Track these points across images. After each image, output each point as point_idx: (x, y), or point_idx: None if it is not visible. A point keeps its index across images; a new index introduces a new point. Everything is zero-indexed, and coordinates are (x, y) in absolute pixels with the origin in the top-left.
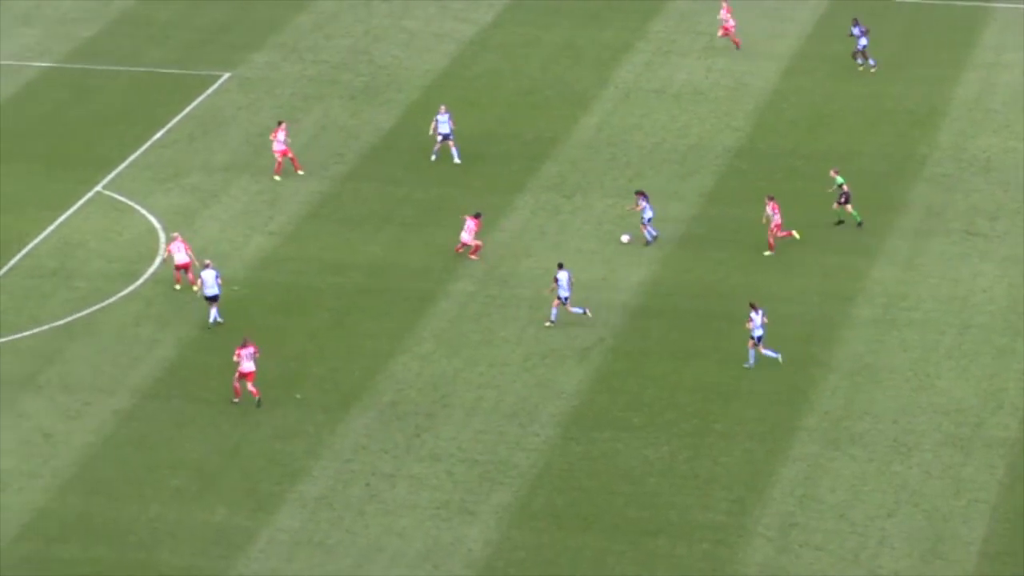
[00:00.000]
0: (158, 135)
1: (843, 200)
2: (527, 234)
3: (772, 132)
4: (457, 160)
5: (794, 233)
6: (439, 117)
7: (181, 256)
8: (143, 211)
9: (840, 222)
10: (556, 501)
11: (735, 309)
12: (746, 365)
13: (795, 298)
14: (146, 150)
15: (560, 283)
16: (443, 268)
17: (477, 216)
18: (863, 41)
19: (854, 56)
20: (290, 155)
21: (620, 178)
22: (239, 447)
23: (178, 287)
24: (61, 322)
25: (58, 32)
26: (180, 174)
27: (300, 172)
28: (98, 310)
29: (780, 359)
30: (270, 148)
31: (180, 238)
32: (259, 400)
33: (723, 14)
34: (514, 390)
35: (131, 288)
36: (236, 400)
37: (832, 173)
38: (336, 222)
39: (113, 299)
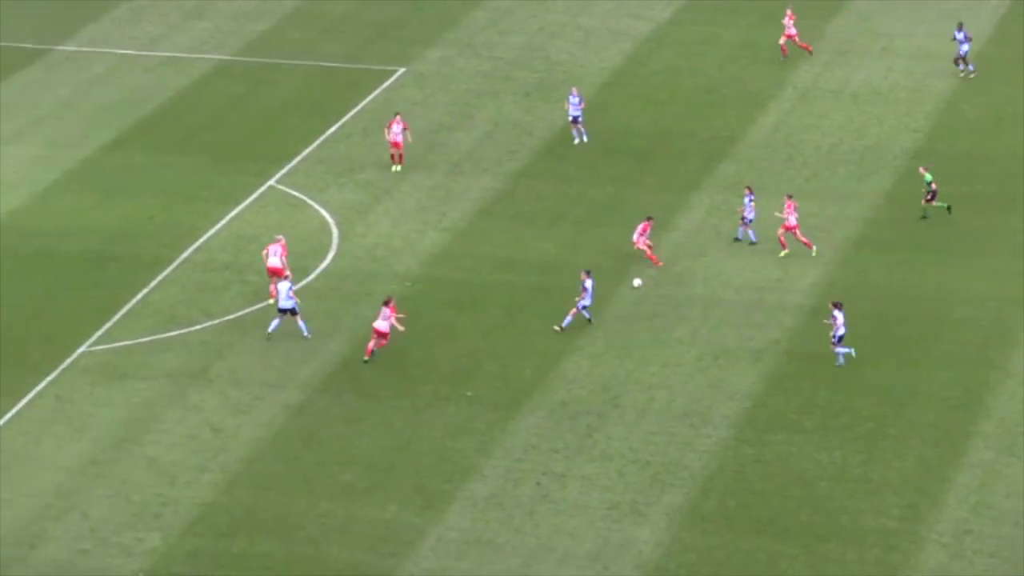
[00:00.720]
0: (332, 130)
1: (930, 198)
2: (702, 233)
3: (951, 133)
4: (582, 140)
5: (812, 247)
6: (571, 99)
7: (274, 261)
8: (316, 206)
9: (924, 216)
10: (727, 503)
11: (911, 311)
12: (838, 364)
13: (973, 301)
14: (319, 145)
15: (588, 291)
16: (615, 267)
17: (649, 219)
18: (965, 47)
19: (955, 61)
20: (400, 149)
21: (796, 178)
22: (410, 444)
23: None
24: (232, 316)
25: (231, 26)
26: (354, 169)
27: (398, 167)
28: (269, 305)
29: (853, 352)
30: (385, 139)
31: (282, 242)
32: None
33: (786, 20)
34: (686, 391)
35: (303, 283)
36: (366, 359)
37: (921, 170)
38: (509, 219)
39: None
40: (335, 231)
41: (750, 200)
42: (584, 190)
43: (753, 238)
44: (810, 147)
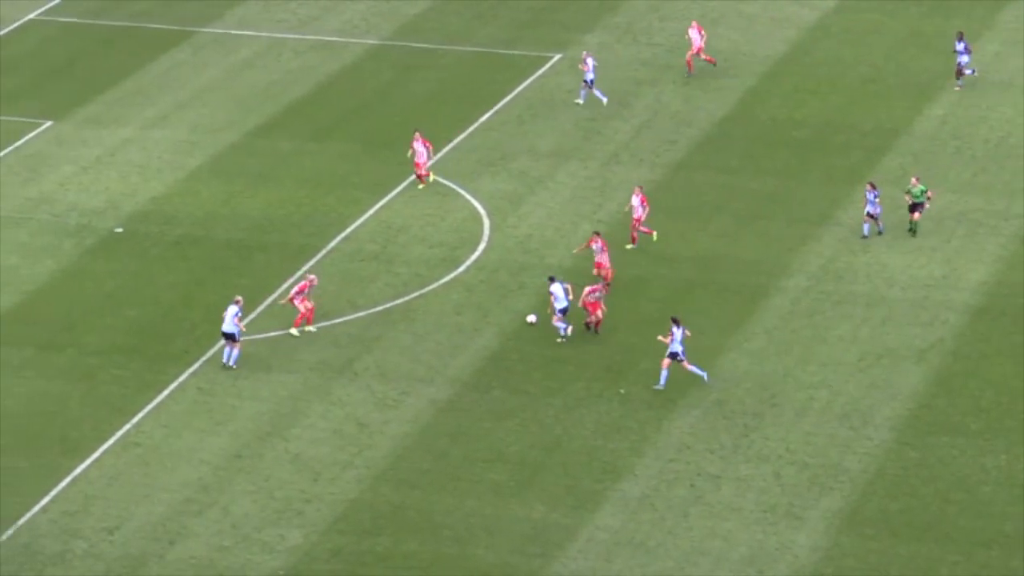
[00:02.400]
0: (485, 117)
1: (918, 205)
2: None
3: None
4: (603, 100)
5: (653, 234)
6: (588, 60)
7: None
8: (467, 195)
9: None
10: (888, 507)
11: None
12: (656, 387)
13: None
14: (472, 132)
15: (556, 296)
16: (776, 262)
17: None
18: (964, 58)
19: (958, 75)
20: (421, 171)
21: (964, 172)
22: (560, 442)
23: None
24: (380, 308)
25: (384, 9)
26: (507, 158)
27: (421, 186)
28: (418, 297)
29: (706, 377)
30: (411, 160)
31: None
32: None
33: (692, 33)
34: (847, 391)
35: (453, 275)
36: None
37: (913, 181)
38: (666, 211)
39: (434, 286)
40: (486, 221)
41: (874, 196)
42: (744, 182)
43: (880, 228)
44: (978, 140)
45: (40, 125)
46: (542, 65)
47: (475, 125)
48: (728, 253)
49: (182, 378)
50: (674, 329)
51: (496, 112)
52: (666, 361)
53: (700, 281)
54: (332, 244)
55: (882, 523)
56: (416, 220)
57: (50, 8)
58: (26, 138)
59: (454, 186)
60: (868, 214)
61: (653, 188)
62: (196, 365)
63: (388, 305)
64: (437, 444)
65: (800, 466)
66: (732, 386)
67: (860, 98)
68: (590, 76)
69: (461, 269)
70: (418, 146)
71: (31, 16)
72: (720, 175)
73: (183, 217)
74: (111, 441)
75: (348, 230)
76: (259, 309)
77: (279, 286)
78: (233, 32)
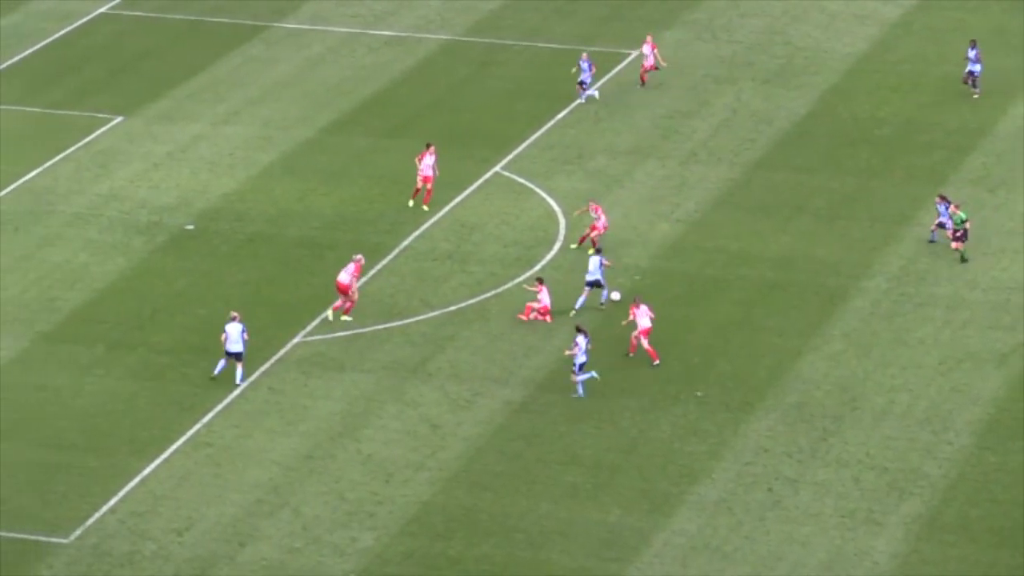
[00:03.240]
0: (561, 114)
1: (959, 234)
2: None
3: None
4: (594, 95)
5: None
6: (582, 63)
7: (343, 276)
8: (543, 194)
9: (964, 260)
10: (969, 514)
11: None
12: (574, 395)
13: None
14: (548, 130)
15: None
16: (857, 263)
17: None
18: (977, 67)
19: (964, 80)
20: (429, 185)
21: None
22: (636, 445)
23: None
24: (454, 307)
25: (459, 5)
26: (583, 156)
27: (425, 208)
28: (492, 296)
29: (596, 376)
30: (416, 172)
31: (360, 262)
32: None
33: (645, 48)
34: (928, 395)
35: (528, 274)
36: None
37: (953, 208)
38: (745, 211)
39: (508, 285)
40: (562, 221)
41: (945, 208)
42: (825, 181)
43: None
44: None
45: (111, 121)
46: (620, 62)
47: (551, 122)
48: (808, 254)
49: (253, 377)
50: (579, 339)
51: (572, 109)
52: (574, 373)
53: (779, 282)
54: (406, 242)
55: (962, 529)
56: (491, 218)
57: (121, 2)
58: (96, 134)
59: (530, 184)
60: (939, 224)
61: (732, 187)
62: (267, 364)
63: (462, 304)
64: (511, 446)
65: (879, 471)
66: (811, 389)
67: (943, 96)
68: (584, 78)
69: (536, 268)
70: (427, 159)
71: (102, 10)
72: (800, 174)
73: (255, 214)
74: (181, 441)
75: (422, 228)
76: (328, 309)
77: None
78: (306, 27)
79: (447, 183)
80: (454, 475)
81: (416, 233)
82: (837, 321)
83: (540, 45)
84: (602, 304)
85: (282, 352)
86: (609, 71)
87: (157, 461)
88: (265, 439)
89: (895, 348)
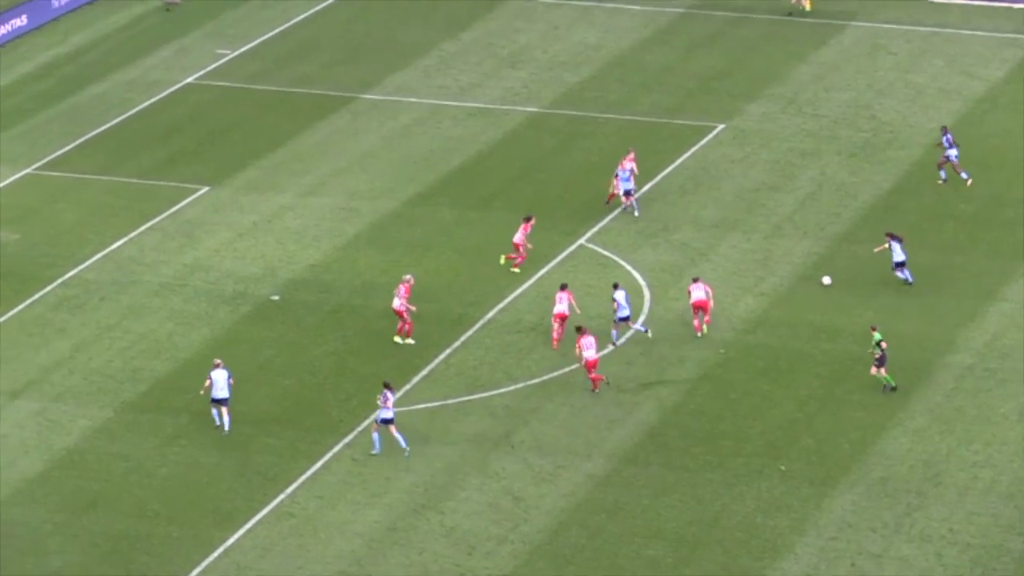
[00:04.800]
0: (647, 187)
1: (879, 362)
2: None
3: None
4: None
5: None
6: (627, 164)
7: (396, 302)
8: (628, 267)
9: (889, 388)
10: None
11: None
12: (373, 452)
13: None
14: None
15: (619, 303)
16: (941, 338)
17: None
18: (954, 152)
19: (939, 166)
20: (520, 253)
21: None
22: (719, 518)
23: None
24: (537, 380)
25: (546, 77)
26: (668, 229)
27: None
28: (576, 369)
29: (407, 453)
30: (516, 241)
31: (410, 282)
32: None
33: (627, 166)
34: (1011, 470)
35: (611, 347)
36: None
37: (872, 330)
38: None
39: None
40: (647, 293)
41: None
42: (911, 255)
43: (909, 278)
44: None
45: (197, 190)
46: (706, 135)
47: (636, 196)
48: (892, 328)
49: (336, 448)
50: (387, 394)
51: (658, 182)
52: (375, 425)
53: (863, 357)
54: (490, 314)
55: None
56: (575, 291)
57: (208, 72)
58: (183, 203)
59: (615, 257)
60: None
61: (817, 260)
62: (351, 436)
63: (546, 377)
64: (594, 519)
65: (963, 547)
66: (895, 464)
67: None
68: (627, 186)
69: (621, 341)
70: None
71: (189, 80)
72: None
73: (340, 285)
74: (264, 511)
75: (506, 300)
76: (414, 380)
77: (435, 357)
78: (392, 99)
79: (532, 255)
80: (537, 548)
81: (500, 305)
82: (920, 396)
83: (625, 117)
84: (644, 331)
85: (366, 423)
86: (695, 144)
87: (240, 532)
88: (348, 510)
89: (978, 424)
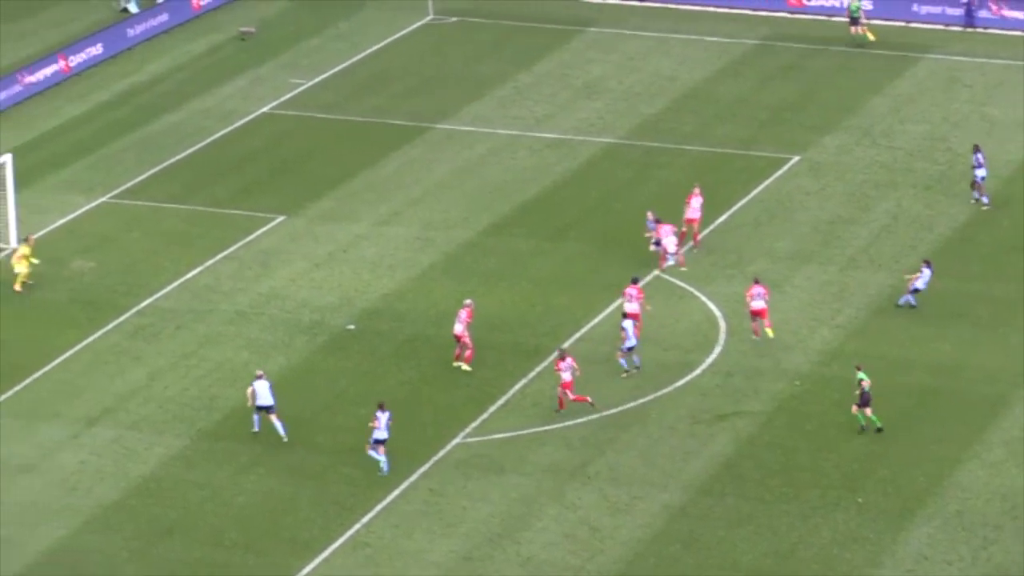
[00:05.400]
0: (722, 218)
1: (861, 401)
2: None
3: None
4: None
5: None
6: (693, 202)
7: (457, 327)
8: (703, 298)
9: (862, 428)
10: None
11: None
12: (380, 474)
13: None
14: (708, 234)
15: (627, 332)
16: (1017, 371)
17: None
18: (981, 172)
19: (972, 187)
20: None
21: None
22: (795, 550)
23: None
24: (613, 411)
25: (621, 108)
26: (743, 260)
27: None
28: (652, 400)
29: (385, 470)
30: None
31: (471, 307)
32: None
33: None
34: None
35: (687, 378)
36: (559, 410)
37: (856, 369)
38: (905, 317)
39: (668, 389)
40: (722, 325)
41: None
42: (987, 288)
43: (913, 302)
44: None
45: (273, 220)
46: (780, 167)
47: (711, 227)
48: (967, 361)
49: (412, 478)
50: (378, 415)
51: (732, 214)
52: (380, 448)
53: (938, 389)
54: (565, 345)
55: None
56: (650, 322)
57: (283, 102)
58: (259, 232)
59: (690, 288)
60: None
61: (892, 293)
62: (426, 465)
63: (622, 408)
64: (669, 550)
65: None
66: (971, 497)
67: None
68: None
69: (696, 372)
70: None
71: (264, 110)
72: (961, 281)
73: (415, 315)
74: (340, 541)
75: (582, 331)
76: (490, 410)
77: (511, 387)
78: (468, 129)
79: (607, 286)
80: None
81: (576, 336)
82: (997, 429)
83: (700, 149)
84: (636, 368)
85: (441, 453)
86: (769, 176)
87: (316, 561)
88: (424, 540)
89: None
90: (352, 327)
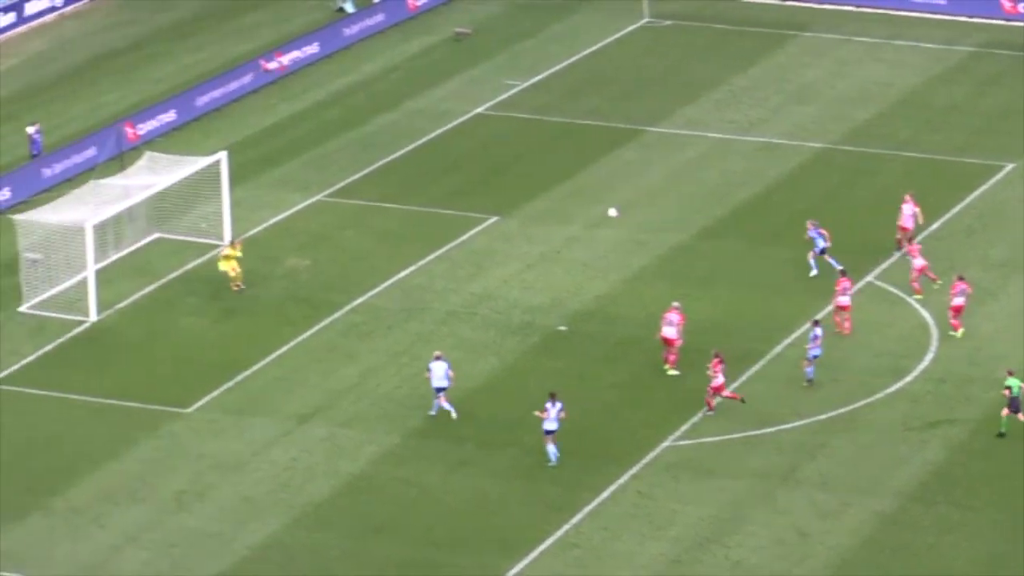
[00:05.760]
0: (935, 226)
1: (1013, 407)
2: None
3: None
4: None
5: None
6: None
7: (669, 331)
8: (915, 305)
9: (1001, 434)
10: None
11: None
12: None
13: None
14: (921, 240)
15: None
16: None
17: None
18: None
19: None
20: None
21: None
22: (1006, 559)
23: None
24: (824, 416)
25: (834, 113)
26: (955, 268)
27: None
28: (863, 406)
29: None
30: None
31: (677, 309)
32: None
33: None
34: None
35: (898, 385)
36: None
37: (1007, 374)
38: None
39: (879, 395)
40: (934, 331)
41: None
42: None
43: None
44: None
45: (486, 220)
46: (994, 174)
47: (923, 235)
48: None
49: (622, 480)
50: (548, 405)
51: (945, 222)
52: (550, 439)
53: None
54: (777, 349)
55: None
56: (862, 327)
57: (497, 103)
58: (471, 233)
59: (902, 295)
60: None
61: None
62: (636, 467)
63: (832, 413)
64: (878, 558)
65: None
66: None
67: None
68: (821, 245)
69: (907, 379)
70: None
71: (478, 110)
72: None
73: (626, 317)
74: (549, 542)
75: (793, 336)
76: (700, 414)
77: (723, 390)
78: (681, 132)
79: (819, 291)
80: None
81: (787, 340)
82: None
83: (912, 155)
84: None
85: (652, 455)
86: (983, 184)
87: (525, 561)
88: (633, 542)
89: None
90: (563, 328)
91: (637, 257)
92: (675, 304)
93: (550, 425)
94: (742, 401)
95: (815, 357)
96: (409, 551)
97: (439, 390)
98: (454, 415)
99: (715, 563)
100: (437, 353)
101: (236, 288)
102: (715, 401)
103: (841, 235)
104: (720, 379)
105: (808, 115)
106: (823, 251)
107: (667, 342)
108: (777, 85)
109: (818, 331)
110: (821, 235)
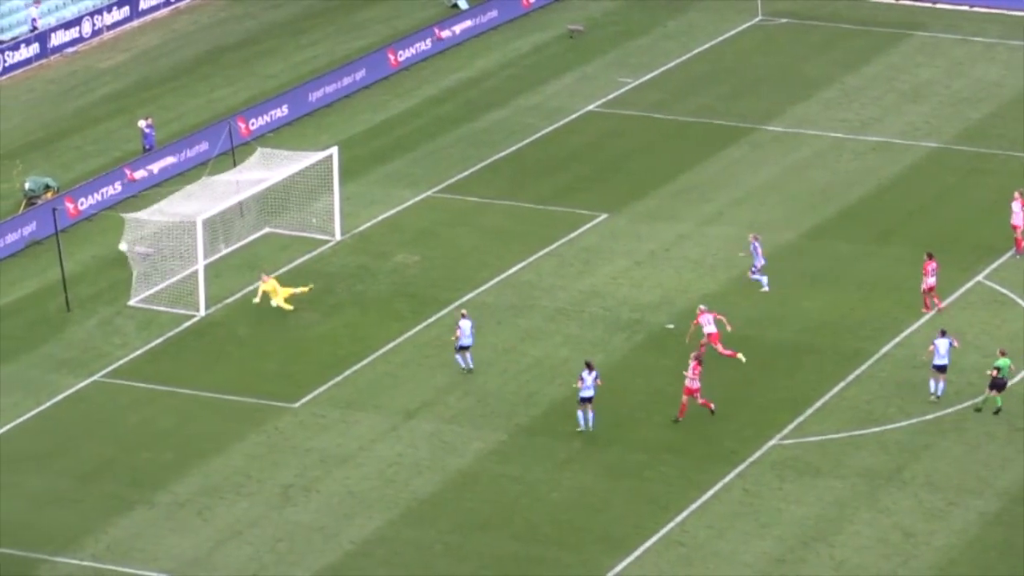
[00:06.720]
0: None
1: (994, 385)
2: None
3: None
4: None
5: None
6: (1014, 206)
7: (710, 327)
8: (1023, 304)
9: (978, 409)
10: None
11: None
12: (579, 429)
13: None
14: None
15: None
16: None
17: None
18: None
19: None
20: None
21: None
22: None
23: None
24: (930, 416)
25: (948, 112)
26: None
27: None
28: (969, 406)
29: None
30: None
31: (704, 311)
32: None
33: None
34: None
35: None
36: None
37: (999, 353)
38: None
39: (987, 395)
40: None
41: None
42: None
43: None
44: None
45: (595, 217)
46: None
47: None
48: None
49: (728, 478)
50: (583, 374)
51: None
52: (587, 405)
53: None
54: (885, 349)
55: None
56: (971, 328)
57: (609, 100)
58: (581, 230)
59: (1012, 295)
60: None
61: None
62: (742, 466)
63: (939, 414)
64: (984, 558)
65: None
66: None
67: None
68: (759, 261)
69: (1015, 380)
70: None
71: (590, 108)
72: None
73: (735, 316)
74: (653, 539)
75: (902, 335)
76: (807, 412)
77: (829, 390)
78: (793, 131)
79: (938, 290)
80: None
81: (896, 340)
82: None
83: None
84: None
85: (758, 454)
86: None
87: (629, 559)
88: (738, 540)
89: None
90: (671, 326)
91: (746, 256)
92: (702, 307)
93: (587, 392)
94: (712, 412)
95: (939, 368)
96: (513, 547)
97: (464, 348)
98: (471, 368)
99: (819, 562)
100: (463, 311)
101: (286, 301)
102: (687, 402)
103: (952, 235)
104: (696, 383)
105: (921, 115)
106: (757, 268)
107: (712, 338)
108: (890, 84)
109: (942, 341)
110: (757, 251)
